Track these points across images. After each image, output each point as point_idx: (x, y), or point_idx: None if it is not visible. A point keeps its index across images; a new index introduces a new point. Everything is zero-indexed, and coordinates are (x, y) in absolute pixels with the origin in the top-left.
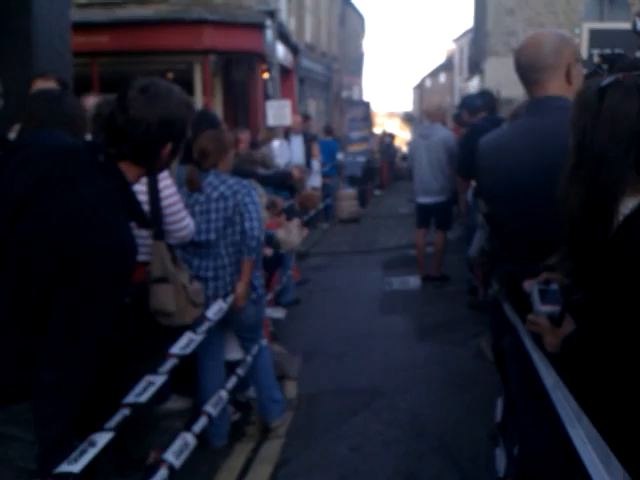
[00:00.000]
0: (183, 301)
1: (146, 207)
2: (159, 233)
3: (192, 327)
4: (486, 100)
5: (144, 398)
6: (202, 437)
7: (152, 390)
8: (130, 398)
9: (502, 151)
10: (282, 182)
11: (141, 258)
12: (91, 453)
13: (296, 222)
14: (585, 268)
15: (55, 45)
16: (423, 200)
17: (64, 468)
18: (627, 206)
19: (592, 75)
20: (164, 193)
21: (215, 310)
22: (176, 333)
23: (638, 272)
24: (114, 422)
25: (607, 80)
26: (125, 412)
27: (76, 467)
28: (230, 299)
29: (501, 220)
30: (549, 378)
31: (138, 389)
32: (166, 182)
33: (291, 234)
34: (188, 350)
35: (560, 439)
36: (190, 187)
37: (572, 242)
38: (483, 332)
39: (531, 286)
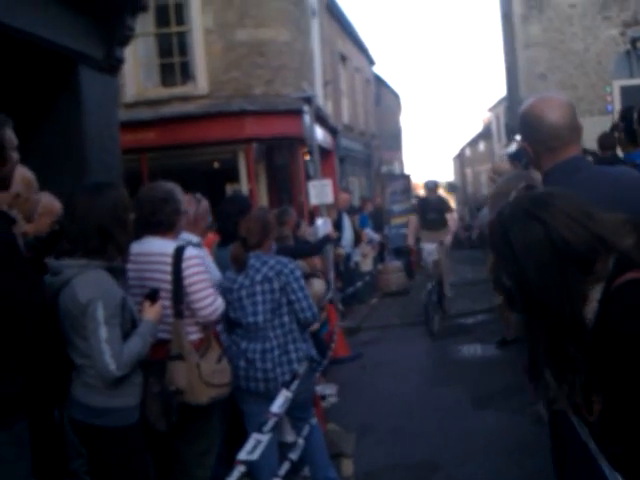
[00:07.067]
0: (195, 379)
1: (169, 286)
2: (179, 311)
3: (258, 427)
4: None
5: None
6: None
7: None
8: None
9: None
10: (323, 246)
11: (162, 336)
12: None
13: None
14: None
15: (105, 145)
16: None
17: None
18: (597, 291)
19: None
20: (187, 272)
21: (280, 403)
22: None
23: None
24: None
25: None
26: None
27: None
28: (294, 386)
29: None
30: None
31: None
32: (190, 262)
33: (313, 286)
34: (255, 455)
35: None
36: (235, 265)
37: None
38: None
39: None
